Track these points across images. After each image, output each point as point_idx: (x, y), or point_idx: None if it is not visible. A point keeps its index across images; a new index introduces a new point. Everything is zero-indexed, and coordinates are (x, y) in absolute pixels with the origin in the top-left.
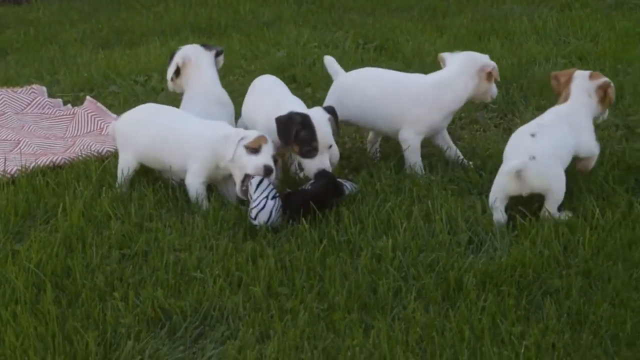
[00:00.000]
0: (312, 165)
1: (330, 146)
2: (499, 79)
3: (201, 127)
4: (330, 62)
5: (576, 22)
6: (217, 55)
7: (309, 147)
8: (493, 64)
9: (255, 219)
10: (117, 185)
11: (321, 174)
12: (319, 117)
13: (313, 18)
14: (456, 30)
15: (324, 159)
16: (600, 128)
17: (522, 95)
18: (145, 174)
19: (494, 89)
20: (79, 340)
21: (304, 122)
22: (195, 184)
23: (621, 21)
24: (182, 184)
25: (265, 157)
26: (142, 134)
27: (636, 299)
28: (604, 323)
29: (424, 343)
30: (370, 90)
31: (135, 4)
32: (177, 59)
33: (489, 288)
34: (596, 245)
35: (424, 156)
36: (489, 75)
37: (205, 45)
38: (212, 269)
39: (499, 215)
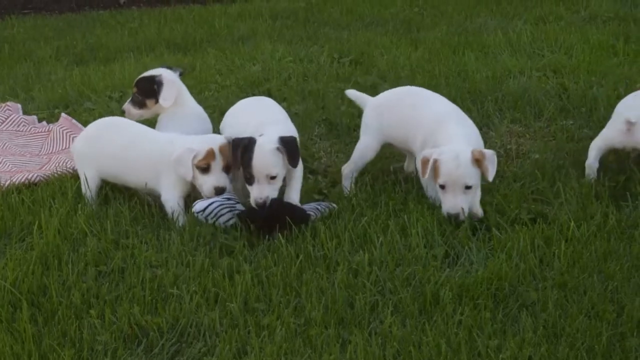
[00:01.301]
0: (252, 193)
1: (273, 177)
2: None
3: (164, 143)
4: (354, 95)
5: (550, 35)
6: (180, 75)
7: (247, 174)
8: None
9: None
10: (89, 203)
11: (258, 204)
12: (263, 144)
13: (288, 33)
14: (431, 43)
15: (262, 189)
16: (574, 140)
17: (497, 108)
18: (121, 191)
19: None
20: (56, 358)
21: (247, 147)
22: (171, 200)
23: (595, 34)
24: (157, 201)
25: (216, 175)
26: (101, 151)
27: (612, 311)
28: (580, 335)
29: (401, 357)
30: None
31: (110, 20)
32: (174, 84)
33: (465, 301)
34: (572, 258)
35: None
36: None
37: (170, 67)
38: (188, 285)
39: (593, 161)
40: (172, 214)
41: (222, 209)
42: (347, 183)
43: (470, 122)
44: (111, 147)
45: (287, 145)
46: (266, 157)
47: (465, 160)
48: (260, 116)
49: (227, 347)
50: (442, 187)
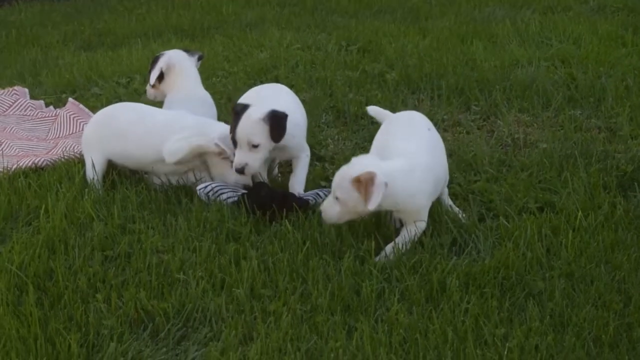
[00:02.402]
0: (235, 158)
1: (255, 146)
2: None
3: (171, 118)
4: (374, 111)
5: (559, 25)
6: (199, 59)
7: (232, 138)
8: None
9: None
10: (95, 188)
11: (237, 170)
12: (251, 113)
13: (296, 20)
14: (439, 32)
15: (243, 156)
16: (582, 130)
17: (505, 97)
18: (127, 176)
19: None
20: (62, 342)
21: (237, 113)
22: (173, 145)
23: (604, 24)
24: (163, 187)
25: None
26: (105, 132)
27: (619, 301)
28: (587, 325)
29: (407, 345)
30: None
31: (118, 5)
32: (161, 63)
33: (472, 290)
34: (579, 248)
35: None
36: None
37: (188, 51)
38: (195, 271)
39: None
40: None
41: (223, 188)
42: None
43: None
44: (120, 125)
45: (274, 119)
46: (249, 125)
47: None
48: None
49: (233, 333)
50: None
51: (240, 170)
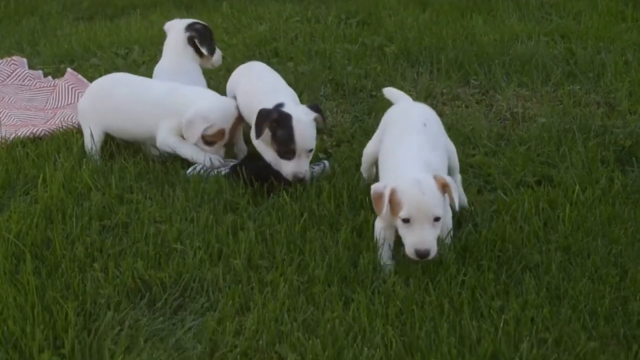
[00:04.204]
0: (288, 168)
1: (311, 150)
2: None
3: (165, 94)
4: (390, 92)
5: (559, 0)
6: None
7: (286, 148)
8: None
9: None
10: (93, 159)
11: (299, 179)
12: (302, 117)
13: None
14: (439, 6)
15: (303, 164)
16: (581, 105)
17: (504, 72)
18: (125, 147)
19: None
20: (59, 310)
21: (280, 119)
22: (167, 138)
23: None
24: (161, 157)
25: (217, 150)
26: (101, 104)
27: (615, 274)
28: (583, 298)
29: (404, 316)
30: None
31: None
32: (166, 25)
33: (469, 262)
34: (576, 222)
35: None
36: None
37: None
38: (192, 241)
39: None
40: (172, 148)
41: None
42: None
43: None
44: (115, 99)
45: (321, 113)
46: (309, 133)
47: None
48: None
49: (229, 303)
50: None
51: (302, 179)
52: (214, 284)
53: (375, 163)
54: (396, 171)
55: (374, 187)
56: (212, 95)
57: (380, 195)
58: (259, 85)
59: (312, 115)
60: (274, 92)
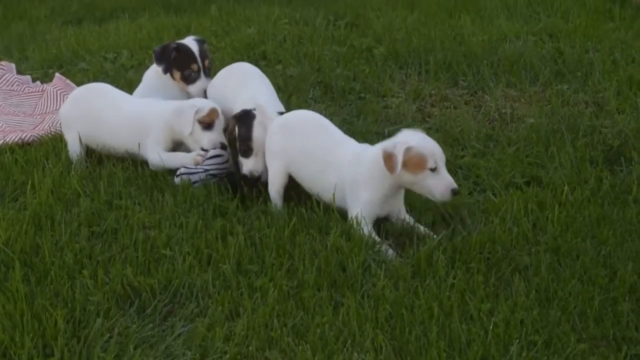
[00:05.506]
0: (246, 166)
1: None
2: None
3: (147, 105)
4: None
5: None
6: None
7: (245, 146)
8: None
9: (178, 176)
10: (81, 165)
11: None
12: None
13: None
14: (427, 6)
15: (259, 162)
16: (569, 104)
17: (492, 72)
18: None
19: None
20: (48, 318)
21: (242, 118)
22: (156, 156)
23: None
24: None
25: (219, 132)
26: (81, 116)
27: (604, 275)
28: (572, 299)
29: (394, 320)
30: None
31: None
32: None
33: (458, 265)
34: (565, 223)
35: None
36: None
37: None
38: (181, 247)
39: None
40: (162, 162)
41: (191, 173)
42: None
43: None
44: (94, 111)
45: None
46: (263, 132)
47: None
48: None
49: (219, 309)
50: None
51: (258, 178)
52: (204, 290)
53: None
54: (370, 149)
55: (384, 148)
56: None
57: (391, 155)
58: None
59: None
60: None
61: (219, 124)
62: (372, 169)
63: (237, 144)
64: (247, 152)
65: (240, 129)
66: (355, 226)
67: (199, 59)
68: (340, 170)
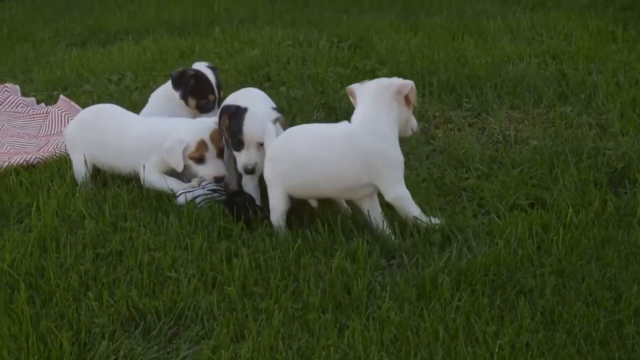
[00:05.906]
0: (242, 158)
1: (262, 144)
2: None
3: (154, 124)
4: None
5: (550, 21)
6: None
7: (236, 139)
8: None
9: (178, 195)
10: (87, 187)
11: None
12: (255, 112)
13: (288, 16)
14: (430, 29)
15: (252, 155)
16: (573, 126)
17: (496, 94)
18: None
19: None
20: (53, 340)
21: (235, 113)
22: (152, 177)
23: (594, 20)
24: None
25: (212, 165)
26: (87, 137)
27: (609, 298)
28: (578, 322)
29: (399, 342)
30: None
31: (109, 2)
32: None
33: (463, 287)
34: (570, 245)
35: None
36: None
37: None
38: (186, 269)
39: None
40: (159, 184)
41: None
42: None
43: None
44: (99, 131)
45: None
46: (257, 124)
47: None
48: None
49: (224, 331)
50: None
51: (251, 170)
52: (209, 312)
53: None
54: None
55: (403, 82)
56: (187, 120)
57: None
58: None
59: (275, 116)
60: None
61: (211, 154)
62: None
63: (229, 139)
64: (239, 145)
65: (231, 123)
66: None
67: (216, 90)
68: None
